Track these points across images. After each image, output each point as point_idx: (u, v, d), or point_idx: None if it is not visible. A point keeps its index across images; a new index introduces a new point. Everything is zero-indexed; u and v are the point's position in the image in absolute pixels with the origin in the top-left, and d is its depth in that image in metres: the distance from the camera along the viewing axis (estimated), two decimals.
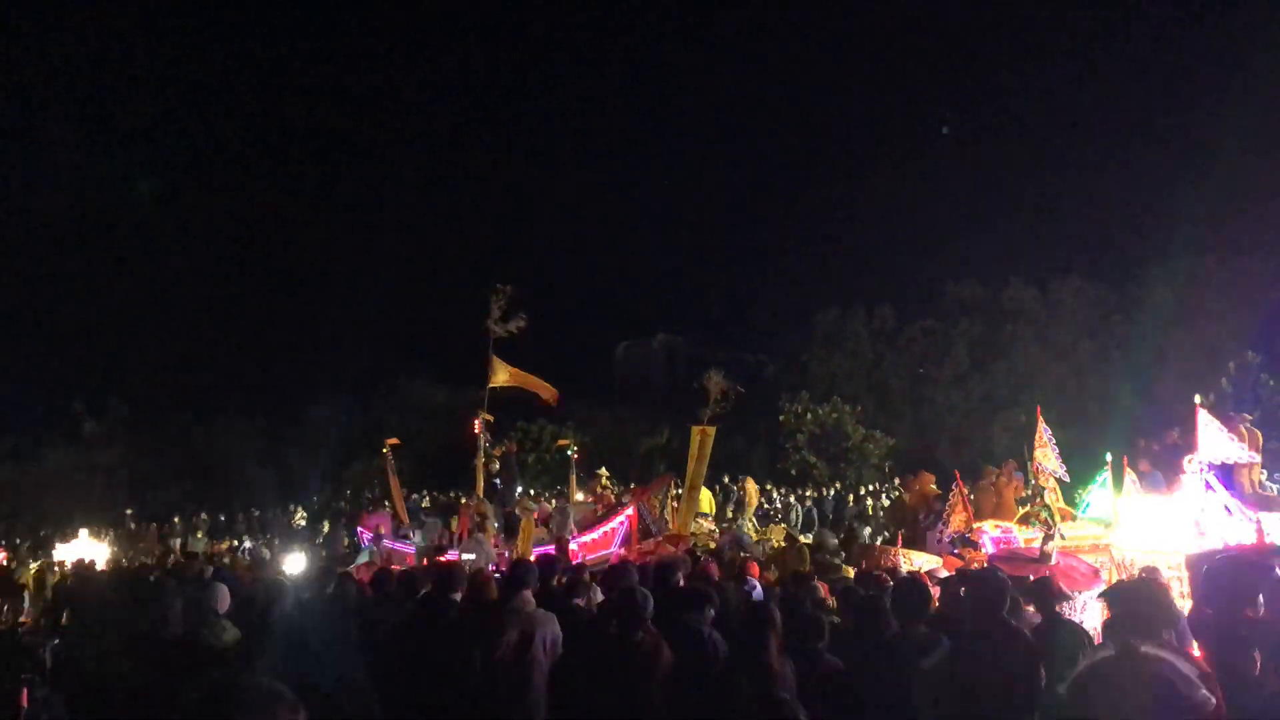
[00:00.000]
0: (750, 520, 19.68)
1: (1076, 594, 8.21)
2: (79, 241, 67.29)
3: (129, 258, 68.21)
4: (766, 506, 24.58)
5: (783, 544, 14.82)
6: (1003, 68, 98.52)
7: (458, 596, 6.41)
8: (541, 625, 6.03)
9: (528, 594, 6.25)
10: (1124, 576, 8.89)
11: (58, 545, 24.98)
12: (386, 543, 18.68)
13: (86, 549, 21.88)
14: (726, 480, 25.09)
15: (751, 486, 20.58)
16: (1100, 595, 7.81)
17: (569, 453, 21.26)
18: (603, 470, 21.52)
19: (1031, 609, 6.54)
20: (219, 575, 9.92)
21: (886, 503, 23.29)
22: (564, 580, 7.64)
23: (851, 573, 9.75)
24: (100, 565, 18.24)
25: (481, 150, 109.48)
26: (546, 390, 19.20)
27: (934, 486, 15.38)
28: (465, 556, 14.26)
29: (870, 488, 28.85)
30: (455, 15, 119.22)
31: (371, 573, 10.23)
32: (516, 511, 17.34)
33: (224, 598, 5.93)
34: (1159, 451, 13.43)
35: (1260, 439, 15.40)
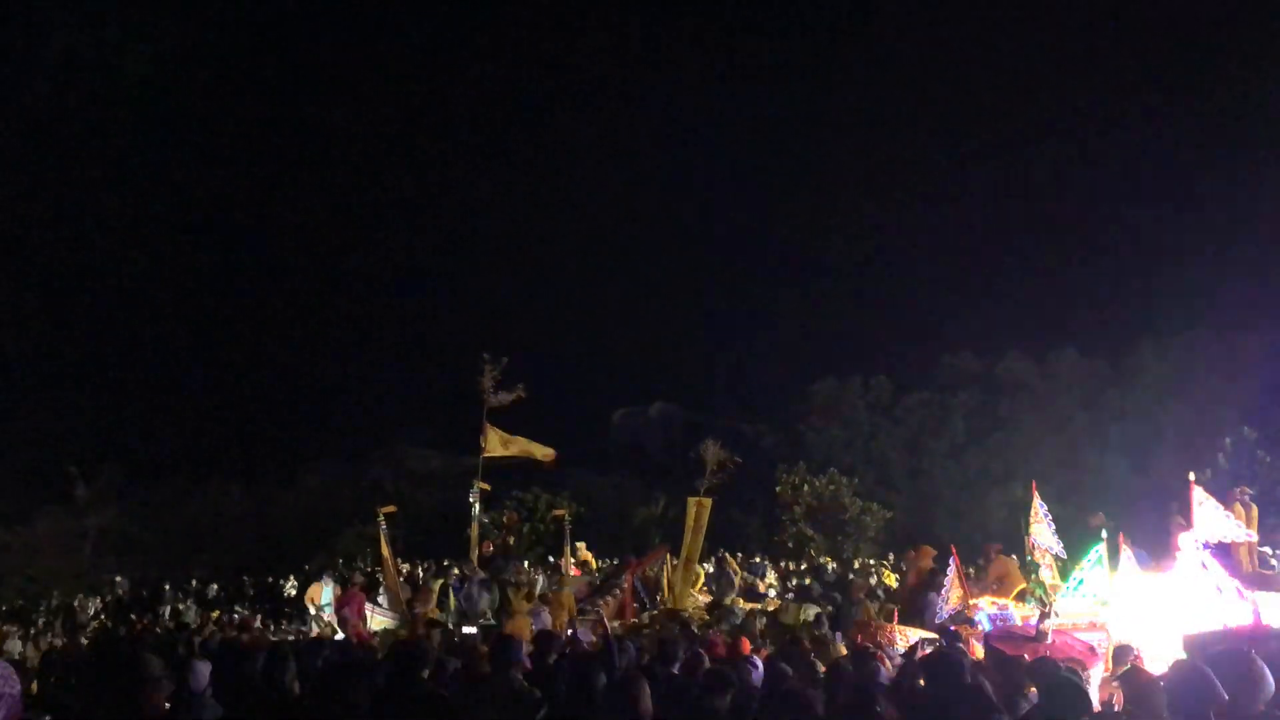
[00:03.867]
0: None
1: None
2: (72, 302, 67.69)
3: (121, 320, 68.53)
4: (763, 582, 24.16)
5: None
6: (1000, 144, 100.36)
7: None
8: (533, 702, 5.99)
9: (516, 670, 6.25)
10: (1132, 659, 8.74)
11: None
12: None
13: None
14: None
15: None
16: (1115, 680, 7.71)
17: (564, 522, 21.04)
18: (580, 544, 21.48)
19: (1033, 690, 6.43)
20: (205, 650, 9.72)
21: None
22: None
23: (843, 649, 9.62)
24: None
25: (478, 217, 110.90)
26: (542, 452, 19.13)
27: (932, 561, 15.21)
28: (466, 630, 14.09)
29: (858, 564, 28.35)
30: (449, 80, 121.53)
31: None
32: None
33: (202, 677, 5.80)
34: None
35: (1256, 513, 15.34)
